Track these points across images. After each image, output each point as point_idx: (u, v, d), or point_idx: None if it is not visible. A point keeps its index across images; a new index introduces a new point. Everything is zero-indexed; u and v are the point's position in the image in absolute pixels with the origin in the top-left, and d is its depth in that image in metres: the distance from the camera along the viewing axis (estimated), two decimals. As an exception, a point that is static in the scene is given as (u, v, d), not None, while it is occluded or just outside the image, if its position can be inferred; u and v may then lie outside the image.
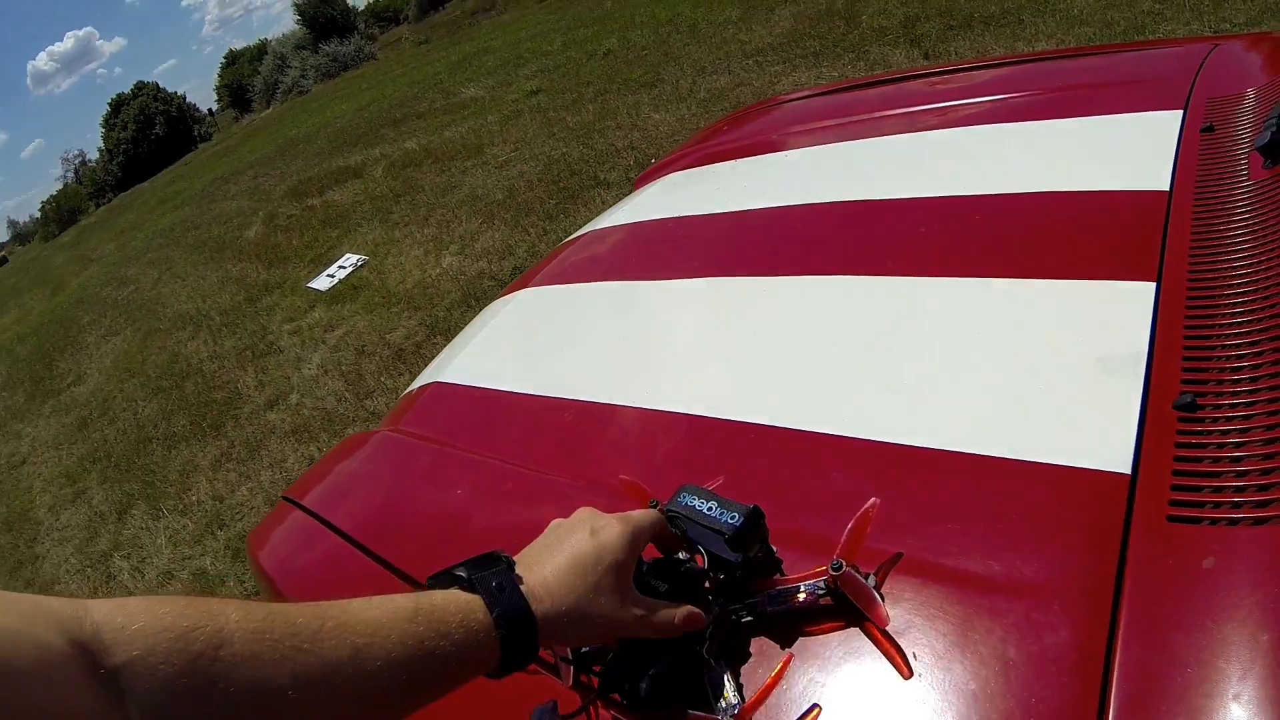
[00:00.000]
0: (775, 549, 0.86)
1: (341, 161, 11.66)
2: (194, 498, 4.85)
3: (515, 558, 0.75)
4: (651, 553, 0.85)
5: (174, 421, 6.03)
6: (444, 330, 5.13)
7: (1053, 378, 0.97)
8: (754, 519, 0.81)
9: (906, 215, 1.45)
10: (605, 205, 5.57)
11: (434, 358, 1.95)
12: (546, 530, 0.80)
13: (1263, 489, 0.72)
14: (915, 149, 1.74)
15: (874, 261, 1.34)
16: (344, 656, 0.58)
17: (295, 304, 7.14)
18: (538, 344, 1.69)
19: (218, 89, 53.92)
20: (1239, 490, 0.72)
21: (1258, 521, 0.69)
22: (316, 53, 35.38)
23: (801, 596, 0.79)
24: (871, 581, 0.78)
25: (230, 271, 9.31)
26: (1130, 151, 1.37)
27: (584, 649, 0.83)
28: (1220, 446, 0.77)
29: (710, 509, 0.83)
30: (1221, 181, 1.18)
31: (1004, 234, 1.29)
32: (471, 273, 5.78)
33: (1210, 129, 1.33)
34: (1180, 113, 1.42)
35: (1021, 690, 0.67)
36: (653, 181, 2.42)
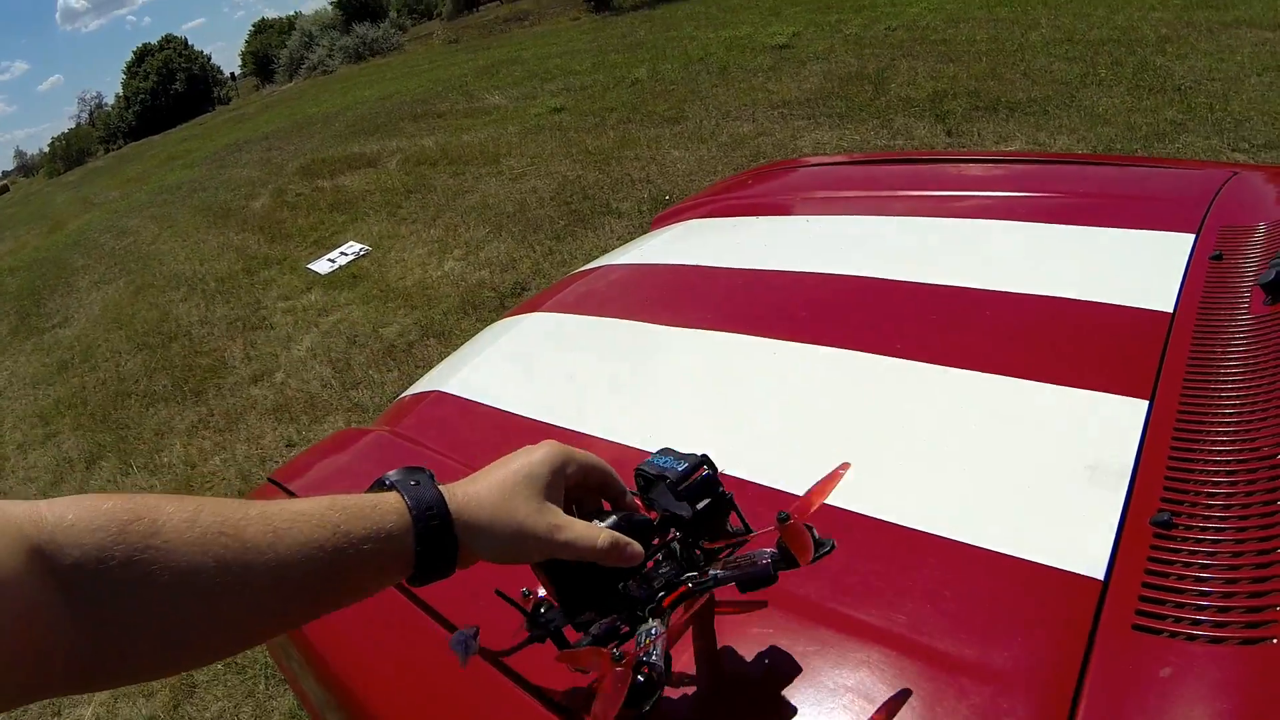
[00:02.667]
0: (732, 497, 0.85)
1: (357, 148, 11.65)
2: (165, 459, 4.85)
3: None
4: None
5: (155, 380, 6.03)
6: (438, 333, 5.16)
7: (1039, 478, 0.98)
8: (697, 465, 0.82)
9: (914, 299, 1.46)
10: (614, 234, 5.63)
11: (425, 359, 1.95)
12: None
13: (1221, 610, 0.75)
14: (929, 234, 1.75)
15: (877, 340, 1.34)
16: (263, 543, 0.62)
17: (293, 283, 7.14)
18: (543, 369, 1.69)
19: (243, 55, 53.81)
20: (1200, 609, 0.76)
21: (1213, 640, 0.73)
22: (346, 34, 35.42)
23: (754, 563, 0.80)
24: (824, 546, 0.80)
25: (232, 240, 9.29)
26: (1139, 269, 1.39)
27: (540, 604, 0.84)
28: (1188, 566, 0.81)
29: (663, 461, 0.84)
30: (1222, 311, 1.19)
31: (1007, 332, 1.30)
32: (472, 280, 5.81)
33: (1219, 257, 1.34)
34: (1192, 237, 1.42)
35: None
36: (671, 224, 2.42)
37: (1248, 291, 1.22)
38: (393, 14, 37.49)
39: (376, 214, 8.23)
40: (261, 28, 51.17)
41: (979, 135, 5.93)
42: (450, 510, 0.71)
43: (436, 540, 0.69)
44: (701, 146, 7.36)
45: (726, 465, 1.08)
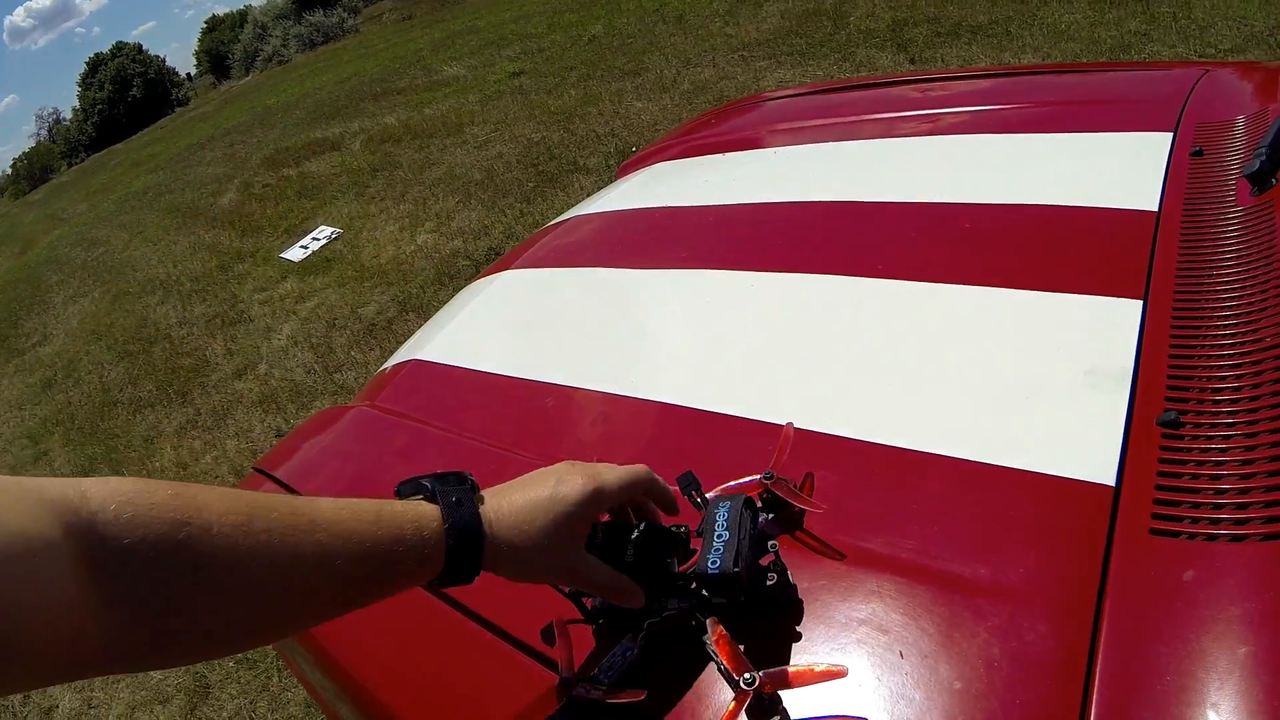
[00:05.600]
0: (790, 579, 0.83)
1: (319, 133, 11.54)
2: (157, 464, 4.82)
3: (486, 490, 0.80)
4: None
5: (140, 386, 5.99)
6: (416, 307, 5.13)
7: (1038, 388, 0.97)
8: (728, 581, 0.79)
9: (894, 219, 1.45)
10: (584, 191, 5.58)
11: (406, 335, 1.94)
12: (526, 475, 0.84)
13: (1240, 508, 0.74)
14: (903, 154, 1.73)
15: (860, 263, 1.33)
16: (310, 551, 0.64)
17: (267, 274, 7.08)
18: (519, 327, 1.67)
19: (197, 54, 53.28)
20: (1218, 508, 0.74)
21: (1235, 539, 0.71)
22: (299, 22, 35.06)
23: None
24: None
25: (203, 238, 9.21)
26: (1119, 171, 1.37)
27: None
28: (1201, 464, 0.79)
29: (719, 534, 0.81)
30: (1209, 206, 1.19)
31: (991, 243, 1.29)
32: (446, 251, 5.76)
33: (1199, 153, 1.33)
34: (1170, 135, 1.41)
35: (1006, 692, 0.68)
36: (637, 170, 2.40)
37: (1233, 185, 1.21)
38: (343, -3, 37.04)
39: (344, 196, 8.15)
40: (214, 25, 50.59)
41: (942, 61, 5.84)
42: (485, 534, 0.74)
43: (466, 561, 0.73)
44: (664, 96, 7.29)
45: (721, 405, 1.13)
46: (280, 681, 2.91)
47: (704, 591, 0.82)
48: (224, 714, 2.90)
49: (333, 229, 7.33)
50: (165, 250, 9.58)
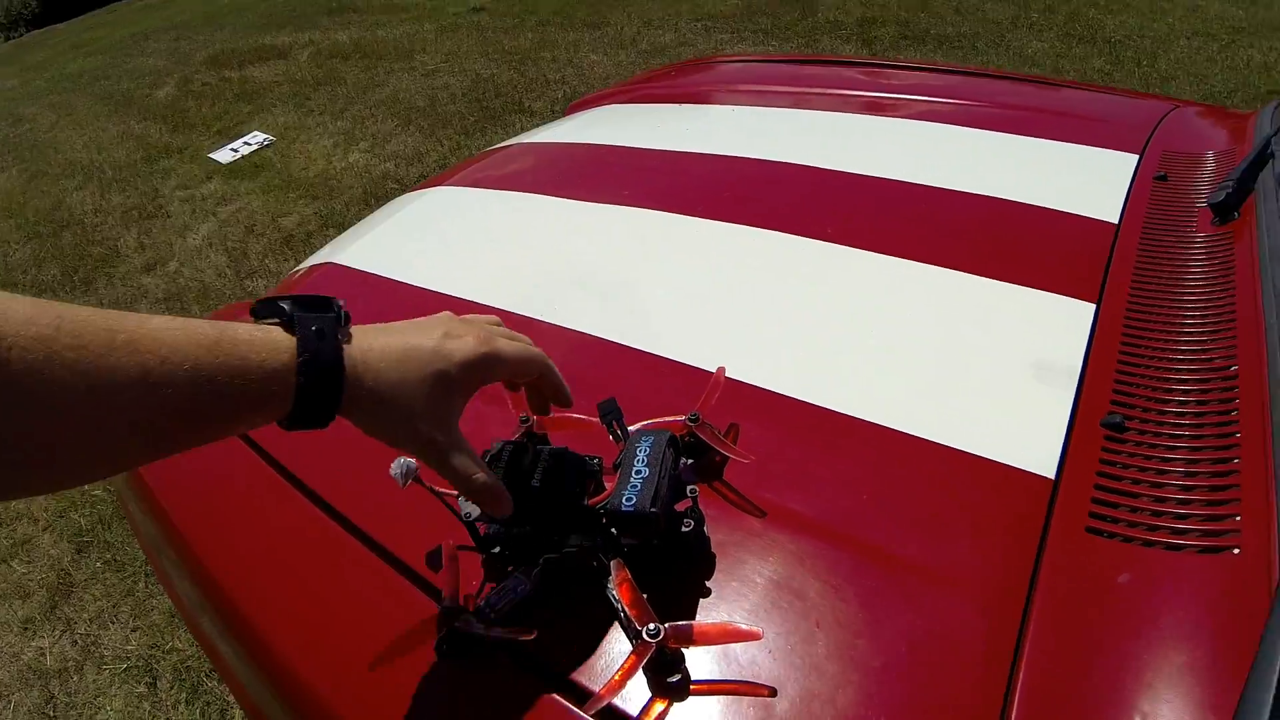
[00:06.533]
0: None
1: (269, 39, 11.22)
2: (50, 352, 4.66)
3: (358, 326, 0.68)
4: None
5: (44, 270, 5.78)
6: (338, 223, 5.03)
7: (984, 371, 0.97)
8: (643, 522, 0.73)
9: (854, 189, 1.44)
10: (525, 130, 5.53)
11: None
12: (409, 321, 0.73)
13: (1179, 518, 0.74)
14: (868, 131, 1.72)
15: (812, 225, 1.31)
16: (132, 376, 0.53)
17: (193, 172, 6.87)
18: (445, 242, 1.62)
19: (156, -57, 51.57)
20: (1157, 515, 0.75)
21: (1170, 548, 0.72)
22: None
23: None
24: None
25: (133, 128, 8.90)
26: (1083, 180, 1.39)
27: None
28: (1142, 470, 0.80)
29: (638, 470, 0.76)
30: (1169, 227, 1.22)
31: (948, 226, 1.29)
32: (377, 172, 5.67)
33: (1164, 178, 1.36)
34: (1136, 157, 1.44)
35: (927, 675, 0.67)
36: (586, 110, 2.37)
37: (1194, 212, 1.24)
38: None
39: (283, 105, 7.95)
40: (175, -85, 48.95)
41: (906, 64, 5.85)
42: (345, 375, 0.62)
43: (320, 404, 0.62)
44: (620, 52, 7.23)
45: (638, 339, 1.12)
46: (147, 587, 2.85)
47: (613, 530, 0.76)
48: (85, 615, 2.83)
49: (266, 136, 7.14)
50: (92, 136, 9.24)
